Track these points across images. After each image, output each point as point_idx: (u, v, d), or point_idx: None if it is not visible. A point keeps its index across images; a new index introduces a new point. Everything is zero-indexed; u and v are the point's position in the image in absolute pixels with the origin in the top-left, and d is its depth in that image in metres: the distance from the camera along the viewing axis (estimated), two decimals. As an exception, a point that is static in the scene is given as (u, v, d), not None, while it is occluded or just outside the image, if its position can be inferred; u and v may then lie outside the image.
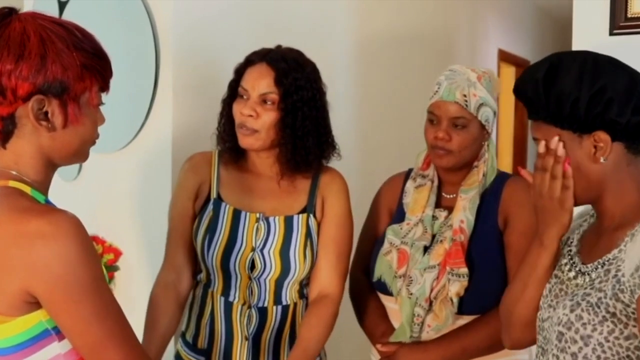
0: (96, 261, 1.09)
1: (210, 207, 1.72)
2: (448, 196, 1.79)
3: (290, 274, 1.70)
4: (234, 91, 1.73)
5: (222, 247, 1.68)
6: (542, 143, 1.27)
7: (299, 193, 1.76)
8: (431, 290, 1.65)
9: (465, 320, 1.68)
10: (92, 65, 1.12)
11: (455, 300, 1.64)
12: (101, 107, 1.20)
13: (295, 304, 1.74)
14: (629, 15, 1.80)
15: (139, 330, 1.45)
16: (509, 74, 5.80)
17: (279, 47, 1.74)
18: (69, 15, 2.32)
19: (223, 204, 1.72)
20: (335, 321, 1.72)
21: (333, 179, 1.78)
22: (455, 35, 4.42)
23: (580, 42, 1.87)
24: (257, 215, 1.71)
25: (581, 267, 1.29)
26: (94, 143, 1.21)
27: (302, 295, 1.76)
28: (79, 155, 1.19)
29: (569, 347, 1.22)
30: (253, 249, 1.69)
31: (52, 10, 2.35)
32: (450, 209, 1.74)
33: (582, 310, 1.20)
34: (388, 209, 1.87)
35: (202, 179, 1.75)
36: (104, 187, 2.39)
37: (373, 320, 1.79)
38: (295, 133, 1.67)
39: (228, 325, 1.71)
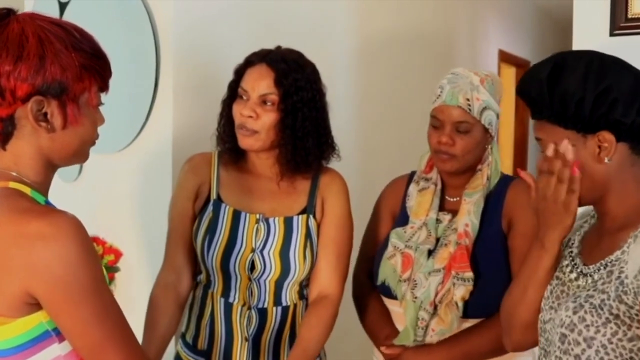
0: (96, 262, 1.09)
1: (210, 208, 1.72)
2: (451, 199, 1.78)
3: (290, 275, 1.70)
4: (233, 92, 1.73)
5: (222, 248, 1.68)
6: (552, 146, 1.25)
7: (299, 194, 1.75)
8: (436, 294, 1.65)
9: (470, 324, 1.68)
10: (91, 65, 1.12)
11: (460, 304, 1.63)
12: (101, 108, 1.20)
13: (295, 305, 1.74)
14: (629, 16, 1.80)
15: (139, 331, 1.45)
16: (510, 75, 5.80)
17: (278, 47, 1.74)
18: (69, 16, 2.33)
19: (223, 205, 1.71)
20: (335, 322, 1.72)
21: (333, 179, 1.78)
22: (455, 35, 4.41)
23: (581, 42, 1.87)
24: (257, 216, 1.71)
25: (583, 268, 1.29)
26: (93, 143, 1.21)
27: (302, 296, 1.76)
28: (79, 155, 1.19)
29: (572, 349, 1.22)
30: (253, 250, 1.69)
31: (52, 11, 2.36)
32: (453, 212, 1.74)
33: (585, 312, 1.20)
34: (391, 212, 1.86)
35: (202, 179, 1.75)
36: (104, 188, 2.39)
37: (377, 323, 1.79)
38: (295, 134, 1.67)
39: (228, 326, 1.70)
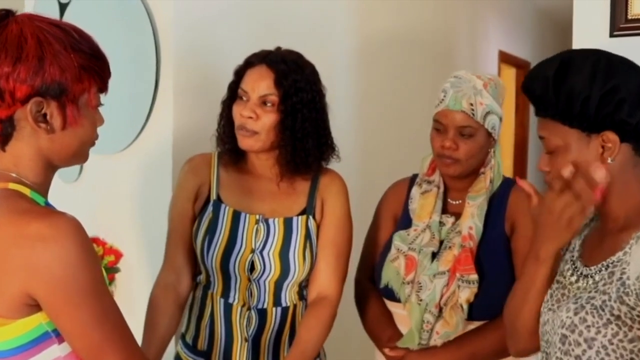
0: (96, 264, 1.09)
1: (210, 208, 1.72)
2: (454, 202, 1.79)
3: (289, 276, 1.70)
4: (233, 93, 1.73)
5: (221, 249, 1.68)
6: (569, 168, 1.22)
7: (299, 195, 1.75)
8: (441, 297, 1.65)
9: (474, 325, 1.68)
10: (90, 66, 1.12)
11: (465, 306, 1.64)
12: (101, 109, 1.19)
13: (294, 306, 1.74)
14: (629, 17, 1.79)
15: (139, 332, 1.45)
16: (510, 76, 5.80)
17: (278, 48, 1.74)
18: (69, 16, 2.32)
19: (223, 206, 1.71)
20: (334, 322, 1.72)
21: (332, 180, 1.78)
22: (455, 36, 4.41)
23: (581, 43, 1.86)
24: (257, 216, 1.71)
25: (583, 269, 1.28)
26: (93, 144, 1.20)
27: (302, 296, 1.76)
28: (79, 156, 1.19)
29: (573, 350, 1.22)
30: (252, 251, 1.69)
31: (53, 12, 2.35)
32: (456, 215, 1.74)
33: (587, 312, 1.20)
34: (393, 214, 1.86)
35: (201, 180, 1.75)
36: (104, 188, 2.39)
37: (379, 325, 1.78)
38: (294, 135, 1.67)
39: (228, 327, 1.70)
